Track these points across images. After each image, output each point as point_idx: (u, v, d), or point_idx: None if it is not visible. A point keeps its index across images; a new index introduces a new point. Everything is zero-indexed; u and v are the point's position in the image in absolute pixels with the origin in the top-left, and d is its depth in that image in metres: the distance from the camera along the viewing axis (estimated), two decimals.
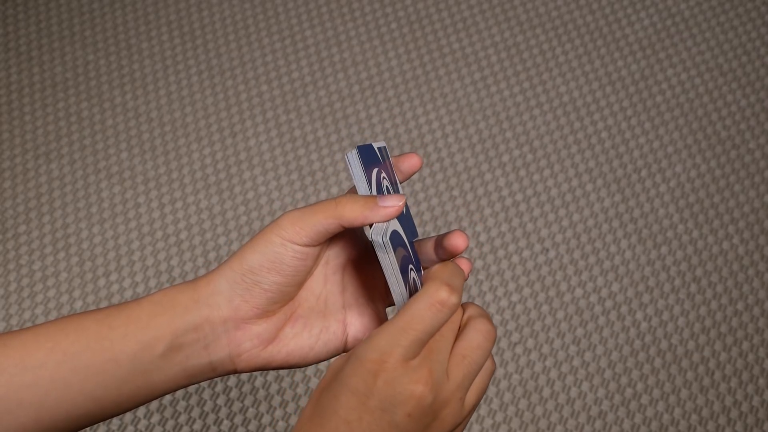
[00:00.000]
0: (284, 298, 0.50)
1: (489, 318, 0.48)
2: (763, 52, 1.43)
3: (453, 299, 0.44)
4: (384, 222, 0.48)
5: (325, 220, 0.49)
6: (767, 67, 1.42)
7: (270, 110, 1.40)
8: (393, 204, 0.48)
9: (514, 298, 1.24)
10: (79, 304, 1.24)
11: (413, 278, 0.50)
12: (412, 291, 0.50)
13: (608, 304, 1.23)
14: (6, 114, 1.40)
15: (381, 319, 0.53)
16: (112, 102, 1.41)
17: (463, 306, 0.49)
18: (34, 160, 1.36)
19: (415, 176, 1.33)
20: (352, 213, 0.48)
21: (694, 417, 1.15)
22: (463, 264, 0.52)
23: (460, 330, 0.47)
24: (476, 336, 0.46)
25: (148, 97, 1.41)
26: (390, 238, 0.47)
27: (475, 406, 0.47)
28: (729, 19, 1.46)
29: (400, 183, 0.53)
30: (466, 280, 0.53)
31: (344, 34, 1.46)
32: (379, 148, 0.52)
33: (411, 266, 0.50)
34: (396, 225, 0.49)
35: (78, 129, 1.38)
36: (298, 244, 0.49)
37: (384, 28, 1.47)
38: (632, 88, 1.40)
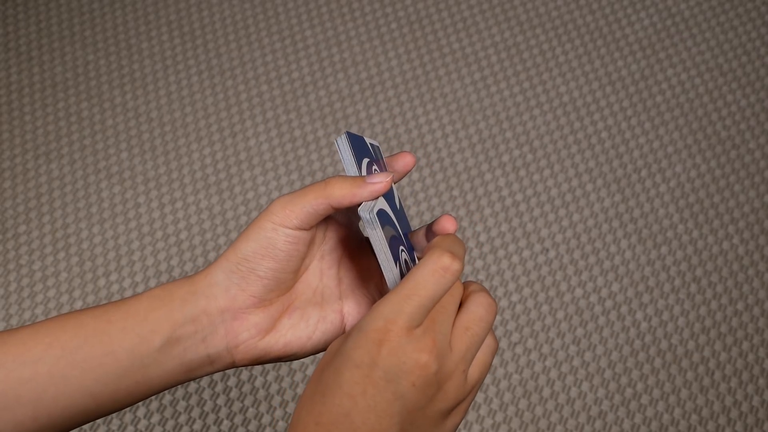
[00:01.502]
0: (280, 286, 0.50)
1: (489, 293, 0.47)
2: (763, 52, 1.43)
3: (456, 265, 0.44)
4: (372, 200, 0.49)
5: (315, 200, 0.49)
6: (767, 67, 1.42)
7: (270, 110, 1.40)
8: (380, 180, 0.49)
9: (514, 298, 1.24)
10: (79, 304, 1.24)
11: (405, 259, 0.50)
12: (404, 270, 0.50)
13: (608, 304, 1.23)
14: (6, 114, 1.40)
15: None
16: (112, 102, 1.41)
17: (465, 284, 0.49)
18: (34, 160, 1.36)
19: (415, 176, 1.33)
20: (340, 191, 0.49)
21: (694, 417, 1.15)
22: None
23: (462, 304, 0.47)
24: (478, 309, 0.46)
25: (148, 97, 1.41)
26: (377, 215, 0.47)
27: (479, 382, 0.47)
28: (729, 19, 1.46)
29: (395, 183, 0.54)
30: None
31: (344, 34, 1.46)
32: (372, 145, 0.52)
33: (402, 248, 0.51)
34: (384, 204, 0.49)
35: (78, 129, 1.38)
36: (290, 228, 0.49)
37: (384, 28, 1.47)
38: (632, 88, 1.40)
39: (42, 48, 1.46)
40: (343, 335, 0.47)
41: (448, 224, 0.51)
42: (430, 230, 0.52)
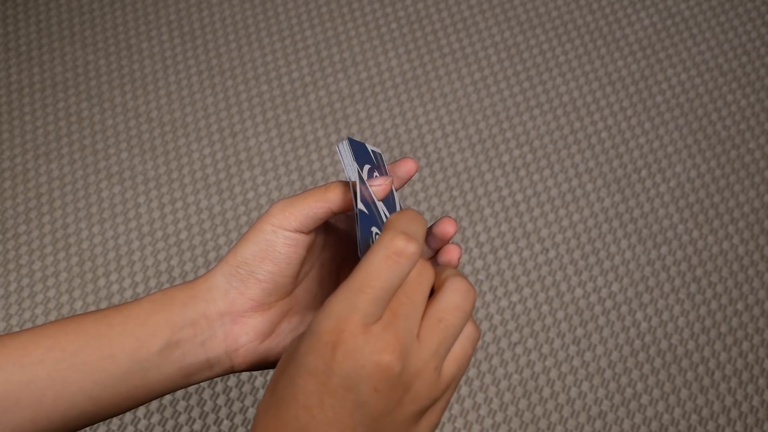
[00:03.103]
0: (279, 291, 0.50)
1: (466, 278, 0.43)
2: (763, 52, 1.43)
3: (411, 248, 0.39)
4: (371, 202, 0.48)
5: (315, 204, 0.49)
6: (767, 67, 1.42)
7: (270, 110, 1.40)
8: (379, 183, 0.48)
9: (514, 298, 1.24)
10: (79, 304, 1.24)
11: None
12: None
13: (608, 304, 1.23)
14: (6, 114, 1.40)
15: None
16: (112, 102, 1.41)
17: (439, 269, 0.44)
18: (34, 160, 1.36)
19: (415, 176, 1.33)
20: (340, 195, 0.48)
21: (694, 417, 1.15)
22: (453, 250, 0.51)
23: (434, 292, 0.42)
24: (453, 296, 0.41)
25: (148, 97, 1.41)
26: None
27: (456, 378, 0.42)
28: (729, 19, 1.46)
29: (397, 189, 0.53)
30: (440, 235, 0.50)
31: (344, 34, 1.46)
32: (374, 151, 0.52)
33: None
34: (383, 208, 0.49)
35: (78, 129, 1.38)
36: (288, 230, 0.49)
37: (384, 28, 1.47)
38: (632, 88, 1.40)
39: (42, 48, 1.46)
40: (298, 337, 0.42)
41: (448, 227, 0.50)
42: (430, 233, 0.52)
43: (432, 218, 1.30)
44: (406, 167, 0.52)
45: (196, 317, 0.49)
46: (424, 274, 0.41)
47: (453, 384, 0.42)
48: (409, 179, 0.51)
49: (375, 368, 0.38)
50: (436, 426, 0.42)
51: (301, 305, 0.52)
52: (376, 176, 0.51)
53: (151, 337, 0.49)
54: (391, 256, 0.39)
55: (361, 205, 0.46)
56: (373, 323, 0.39)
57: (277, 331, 0.51)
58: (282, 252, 0.49)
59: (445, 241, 0.51)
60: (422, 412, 0.41)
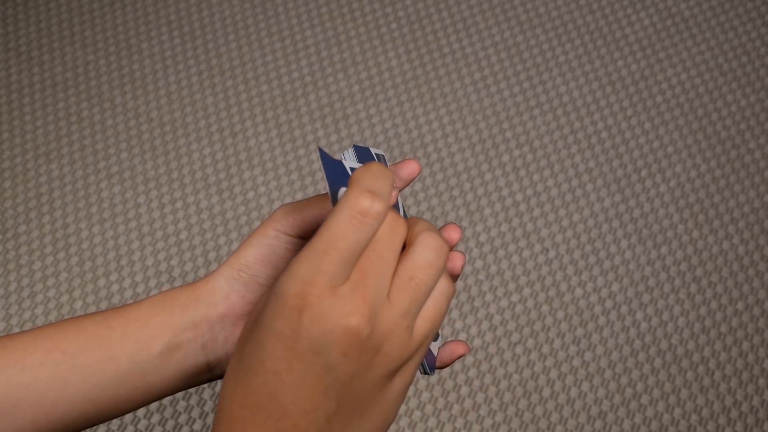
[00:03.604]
0: None
1: (439, 233, 0.41)
2: (763, 52, 1.43)
3: (376, 206, 0.37)
4: None
5: (319, 211, 0.48)
6: (767, 67, 1.42)
7: (270, 110, 1.40)
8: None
9: (514, 298, 1.24)
10: (79, 304, 1.24)
11: None
12: None
13: (608, 304, 1.23)
14: (6, 114, 1.40)
15: None
16: (112, 102, 1.41)
17: (410, 222, 0.42)
18: (34, 160, 1.36)
19: None
20: None
21: (694, 417, 1.15)
22: (457, 257, 0.51)
23: (406, 248, 0.41)
24: (425, 253, 0.39)
25: (148, 97, 1.41)
26: None
27: (428, 336, 0.40)
28: (729, 19, 1.46)
29: (400, 190, 0.53)
30: (406, 189, 0.48)
31: (344, 34, 1.46)
32: (377, 155, 0.52)
33: None
34: None
35: (78, 129, 1.38)
36: (291, 235, 0.49)
37: (384, 28, 1.47)
38: (632, 88, 1.40)
39: (42, 48, 1.46)
40: (264, 297, 0.41)
41: (453, 233, 0.49)
42: None
43: (432, 218, 1.30)
44: (409, 169, 0.51)
45: (197, 320, 0.49)
46: (396, 231, 0.39)
47: (426, 342, 0.40)
48: (412, 181, 0.50)
49: (343, 332, 0.37)
50: (409, 384, 0.41)
51: None
52: None
53: (152, 340, 0.49)
54: (356, 216, 0.37)
55: None
56: (340, 285, 0.37)
57: None
58: (284, 257, 0.49)
59: (450, 248, 0.51)
60: (394, 372, 0.40)
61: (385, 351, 0.38)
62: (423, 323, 0.40)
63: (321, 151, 0.44)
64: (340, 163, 0.46)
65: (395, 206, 0.51)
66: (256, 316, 0.40)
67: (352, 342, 0.37)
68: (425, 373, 0.50)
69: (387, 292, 0.38)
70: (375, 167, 0.39)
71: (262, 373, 0.38)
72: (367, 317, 0.37)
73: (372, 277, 0.37)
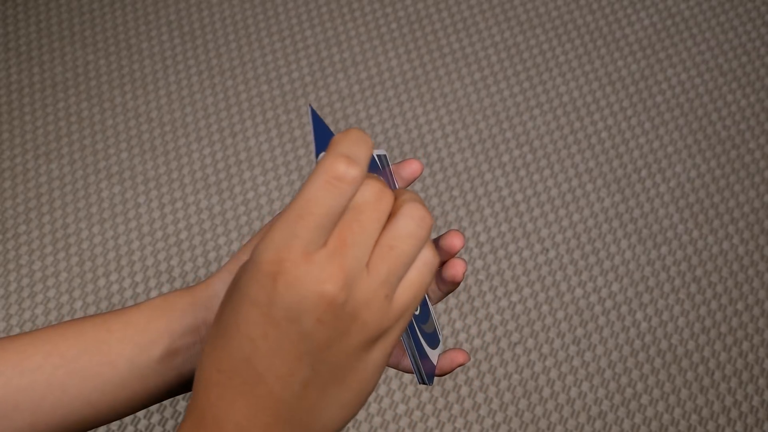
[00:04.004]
0: None
1: (423, 203, 0.41)
2: (763, 52, 1.43)
3: (352, 172, 0.36)
4: None
5: None
6: (767, 67, 1.42)
7: (270, 110, 1.40)
8: None
9: (514, 298, 1.24)
10: (79, 305, 1.24)
11: None
12: None
13: (608, 304, 1.23)
14: (6, 114, 1.40)
15: None
16: (112, 102, 1.41)
17: (396, 193, 0.42)
18: (34, 160, 1.36)
19: None
20: None
21: (694, 417, 1.15)
22: (458, 265, 0.50)
23: (389, 218, 0.40)
24: (407, 223, 0.39)
25: (148, 97, 1.41)
26: None
27: (410, 306, 0.39)
28: (729, 19, 1.46)
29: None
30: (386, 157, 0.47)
31: (344, 34, 1.46)
32: (378, 156, 0.51)
33: None
34: None
35: (78, 129, 1.38)
36: None
37: (384, 28, 1.47)
38: (632, 88, 1.40)
39: (42, 48, 1.46)
40: (243, 264, 0.40)
41: (455, 240, 0.49)
42: (436, 245, 0.50)
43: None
44: (411, 168, 0.51)
45: (196, 325, 0.49)
46: (381, 201, 0.38)
47: (407, 312, 0.40)
48: (414, 180, 0.50)
49: (318, 299, 0.36)
50: (388, 355, 0.40)
51: None
52: None
53: (151, 344, 0.49)
54: (330, 181, 0.36)
55: None
56: (316, 251, 0.37)
57: None
58: None
59: (451, 255, 0.50)
60: (373, 342, 0.39)
61: (362, 320, 0.38)
62: (403, 293, 0.39)
63: (312, 110, 0.44)
64: (327, 128, 0.45)
65: None
66: (235, 282, 0.39)
67: (327, 309, 0.37)
68: (423, 382, 0.50)
69: (366, 261, 0.38)
70: (353, 133, 0.38)
71: (238, 338, 0.38)
72: (343, 284, 0.37)
73: (351, 246, 0.37)
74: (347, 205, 0.37)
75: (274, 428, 0.39)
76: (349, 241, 0.37)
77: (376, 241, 0.38)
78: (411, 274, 0.39)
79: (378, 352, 0.40)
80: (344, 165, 0.36)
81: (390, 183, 0.52)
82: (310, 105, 0.43)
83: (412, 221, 0.39)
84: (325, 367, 0.38)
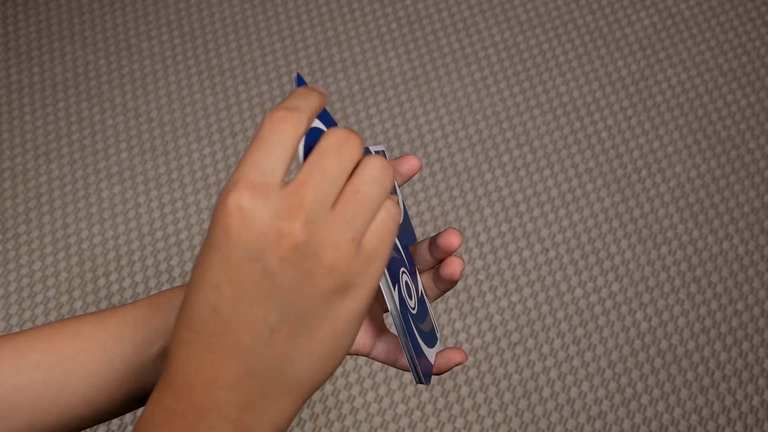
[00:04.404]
0: None
1: (386, 160, 0.42)
2: (763, 52, 1.43)
3: (291, 114, 0.38)
4: None
5: None
6: (767, 67, 1.41)
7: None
8: None
9: (514, 298, 1.24)
10: (79, 304, 1.24)
11: (406, 281, 0.49)
12: (404, 295, 0.49)
13: (608, 304, 1.23)
14: (6, 114, 1.40)
15: (378, 324, 0.53)
16: (112, 102, 1.41)
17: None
18: (34, 160, 1.36)
19: (416, 176, 1.33)
20: None
21: (694, 417, 1.15)
22: (456, 262, 0.50)
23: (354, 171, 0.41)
24: (369, 170, 0.39)
25: (148, 97, 1.41)
26: None
27: (378, 253, 0.39)
28: (729, 19, 1.46)
29: (400, 186, 0.53)
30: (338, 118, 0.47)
31: (344, 34, 1.46)
32: (375, 152, 0.51)
33: (403, 269, 0.50)
34: None
35: (78, 129, 1.39)
36: None
37: (384, 28, 1.47)
38: (632, 88, 1.40)
39: (42, 48, 1.46)
40: None
41: (453, 239, 0.49)
42: (434, 243, 0.51)
43: (432, 218, 1.30)
44: (410, 164, 0.51)
45: None
46: (344, 147, 0.39)
47: (376, 261, 0.39)
48: (413, 176, 0.50)
49: (277, 235, 0.37)
50: (363, 309, 0.40)
51: None
52: None
53: (148, 343, 0.49)
54: (273, 122, 0.38)
55: None
56: (275, 191, 0.37)
57: None
58: None
59: (449, 253, 0.50)
60: (344, 288, 0.39)
61: (328, 261, 0.38)
62: (371, 238, 0.39)
63: (299, 77, 0.45)
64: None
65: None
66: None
67: (288, 245, 0.37)
68: (420, 382, 0.50)
69: (330, 204, 0.38)
70: (301, 90, 0.40)
71: (204, 289, 0.38)
72: (303, 221, 0.37)
73: (311, 187, 0.37)
74: (294, 147, 0.38)
75: (243, 381, 0.38)
76: (308, 182, 0.37)
77: (342, 189, 0.39)
78: (376, 221, 0.40)
79: (351, 303, 0.39)
80: (283, 110, 0.38)
81: None
82: (297, 73, 0.44)
83: (374, 169, 0.39)
84: (293, 312, 0.38)
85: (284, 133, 0.38)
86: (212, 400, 0.38)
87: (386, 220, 0.40)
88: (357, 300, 0.39)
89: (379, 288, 0.53)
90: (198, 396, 0.38)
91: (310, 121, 0.39)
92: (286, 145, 0.38)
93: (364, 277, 0.39)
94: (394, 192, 0.51)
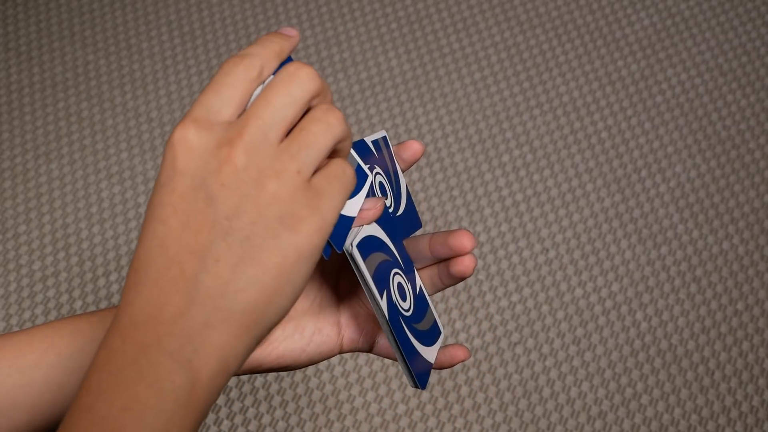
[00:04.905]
0: None
1: (330, 101, 0.43)
2: (763, 52, 1.43)
3: (243, 60, 0.39)
4: (357, 227, 0.46)
5: None
6: (767, 67, 1.42)
7: None
8: (369, 207, 0.47)
9: (514, 298, 1.24)
10: (79, 304, 1.24)
11: (399, 282, 0.49)
12: (397, 296, 0.48)
13: (608, 304, 1.23)
14: (6, 114, 1.40)
15: (375, 320, 0.53)
16: (112, 102, 1.41)
17: None
18: (34, 160, 1.36)
19: (415, 176, 1.33)
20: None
21: (694, 417, 1.15)
22: (468, 259, 0.49)
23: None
24: (315, 112, 0.40)
25: (148, 97, 1.41)
26: (360, 244, 0.45)
27: (329, 193, 0.40)
28: (729, 19, 1.46)
29: (403, 171, 0.52)
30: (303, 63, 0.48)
31: (344, 34, 1.46)
32: (374, 141, 0.51)
33: (396, 270, 0.49)
34: (372, 230, 0.47)
35: (78, 129, 1.39)
36: None
37: (384, 28, 1.47)
38: (632, 88, 1.40)
39: (42, 48, 1.46)
40: None
41: (465, 240, 0.49)
42: (443, 243, 0.50)
43: (432, 218, 1.30)
44: (412, 149, 0.51)
45: None
46: (292, 81, 0.40)
47: (324, 200, 0.40)
48: (415, 162, 0.50)
49: (218, 162, 0.38)
50: (315, 246, 0.40)
51: (297, 310, 0.51)
52: (378, 177, 0.50)
53: None
54: (229, 63, 0.39)
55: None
56: (221, 125, 0.38)
57: (271, 338, 0.50)
58: None
59: (459, 255, 0.50)
60: (289, 218, 0.39)
61: (272, 190, 0.38)
62: (320, 179, 0.40)
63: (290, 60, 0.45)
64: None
65: (398, 187, 0.51)
66: None
67: (228, 171, 0.37)
68: (415, 386, 0.49)
69: (276, 136, 0.39)
70: (262, 37, 0.42)
71: (152, 225, 0.38)
72: (243, 149, 0.38)
73: (254, 117, 0.38)
74: (244, 89, 0.39)
75: (186, 312, 0.38)
76: (251, 113, 0.38)
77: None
78: (330, 166, 0.41)
79: (298, 237, 0.39)
80: (239, 57, 0.40)
81: (390, 164, 0.51)
82: (290, 57, 0.44)
83: (319, 111, 0.40)
84: (237, 240, 0.38)
85: (233, 75, 0.39)
86: (155, 334, 0.38)
87: (337, 172, 0.40)
88: (305, 234, 0.39)
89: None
90: (141, 333, 0.38)
91: (269, 64, 0.40)
92: (234, 86, 0.39)
93: (312, 211, 0.39)
94: (398, 181, 0.51)
